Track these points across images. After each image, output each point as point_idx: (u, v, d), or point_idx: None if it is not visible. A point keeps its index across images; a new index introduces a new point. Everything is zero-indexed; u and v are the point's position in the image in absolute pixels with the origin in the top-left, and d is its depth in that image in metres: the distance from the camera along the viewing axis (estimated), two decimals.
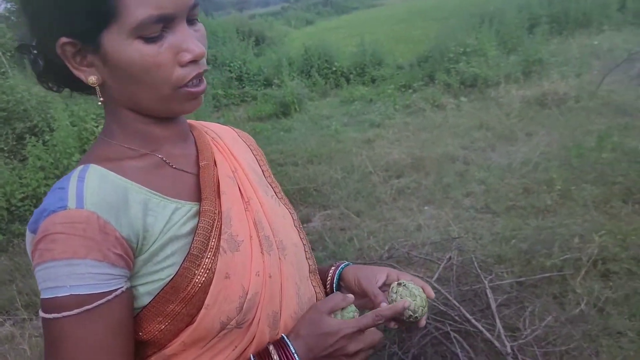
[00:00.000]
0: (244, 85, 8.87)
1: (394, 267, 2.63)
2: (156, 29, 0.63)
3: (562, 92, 5.54)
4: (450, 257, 2.59)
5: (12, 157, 5.01)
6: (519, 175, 3.86)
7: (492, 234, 3.11)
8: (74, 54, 0.66)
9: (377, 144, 5.18)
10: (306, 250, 0.89)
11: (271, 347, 0.73)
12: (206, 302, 0.67)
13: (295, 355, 0.72)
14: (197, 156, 0.79)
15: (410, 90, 6.95)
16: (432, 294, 0.86)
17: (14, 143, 5.18)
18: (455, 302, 2.14)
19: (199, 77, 0.70)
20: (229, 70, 9.00)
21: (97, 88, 0.69)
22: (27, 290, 3.25)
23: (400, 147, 4.94)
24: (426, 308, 0.82)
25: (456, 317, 2.12)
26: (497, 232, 3.12)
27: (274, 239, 0.80)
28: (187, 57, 0.66)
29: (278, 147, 5.54)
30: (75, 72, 0.67)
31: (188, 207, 0.71)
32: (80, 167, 0.66)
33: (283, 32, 15.75)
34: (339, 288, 0.95)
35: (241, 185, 0.81)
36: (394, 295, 0.82)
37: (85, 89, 0.73)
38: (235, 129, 1.00)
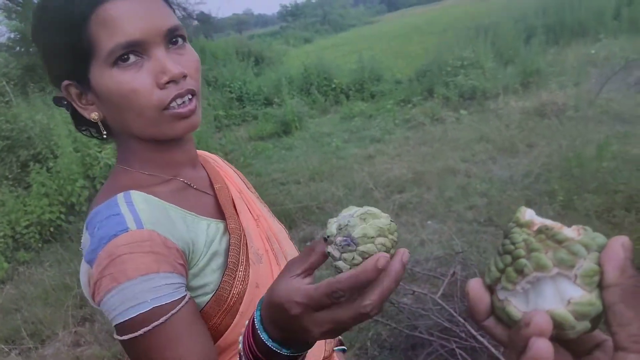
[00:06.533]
0: (244, 105, 8.95)
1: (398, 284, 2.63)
2: (127, 55, 0.66)
3: (561, 102, 5.56)
4: (454, 273, 2.58)
5: (17, 184, 5.06)
6: (520, 187, 3.86)
7: (496, 247, 3.09)
8: (78, 94, 0.71)
9: (378, 159, 5.20)
10: None
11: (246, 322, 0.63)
12: (240, 309, 0.72)
13: (259, 331, 0.55)
14: (209, 179, 0.84)
15: (410, 105, 7.00)
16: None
17: (19, 171, 5.23)
18: (460, 318, 2.13)
19: (182, 97, 0.70)
20: (230, 91, 9.09)
21: (100, 123, 0.73)
22: (32, 319, 3.24)
23: (401, 162, 4.96)
24: (388, 240, 0.48)
25: (461, 334, 2.11)
26: None
27: (282, 253, 0.85)
28: (164, 78, 0.67)
29: (280, 166, 5.57)
30: (81, 112, 0.72)
31: (216, 224, 0.76)
32: (120, 195, 0.68)
33: (282, 51, 15.92)
34: None
35: (249, 205, 0.86)
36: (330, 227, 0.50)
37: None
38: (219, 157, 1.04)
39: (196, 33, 16.30)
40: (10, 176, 5.13)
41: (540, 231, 0.35)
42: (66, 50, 0.67)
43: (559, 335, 0.33)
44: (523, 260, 0.35)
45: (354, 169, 4.97)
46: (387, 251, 0.47)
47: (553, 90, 6.00)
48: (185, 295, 0.65)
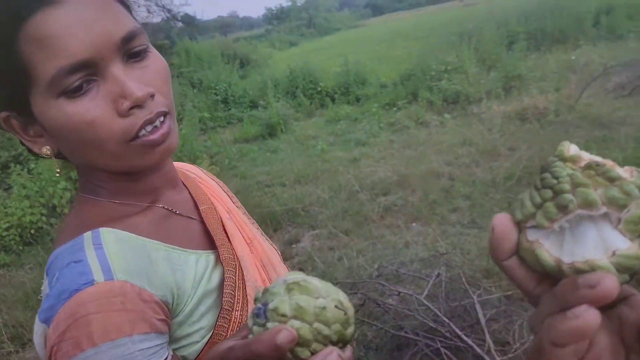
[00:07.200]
0: (229, 107, 8.93)
1: (384, 286, 2.66)
2: (74, 80, 0.52)
3: (542, 106, 5.67)
4: (438, 274, 2.61)
5: None
6: (503, 190, 3.92)
7: (479, 249, 3.14)
8: (21, 127, 0.59)
9: (363, 162, 5.24)
10: None
11: None
12: None
13: None
14: (194, 200, 0.72)
15: (395, 109, 7.06)
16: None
17: None
18: (444, 318, 2.16)
19: (152, 123, 0.57)
20: (215, 93, 9.07)
21: (54, 159, 0.61)
22: (13, 323, 3.18)
23: (385, 165, 5.00)
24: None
25: (446, 334, 2.13)
26: (484, 246, 3.15)
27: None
28: (125, 103, 0.54)
29: (265, 169, 5.57)
30: (29, 145, 0.60)
31: (206, 257, 0.65)
32: (87, 234, 0.56)
33: (267, 54, 15.94)
34: None
35: (239, 226, 0.75)
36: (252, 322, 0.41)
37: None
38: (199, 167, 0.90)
39: (180, 35, 16.20)
40: None
41: (589, 167, 0.31)
42: None
43: None
44: (568, 195, 0.30)
45: (339, 171, 4.99)
46: (306, 344, 0.37)
47: (534, 95, 6.12)
48: (166, 358, 0.54)
